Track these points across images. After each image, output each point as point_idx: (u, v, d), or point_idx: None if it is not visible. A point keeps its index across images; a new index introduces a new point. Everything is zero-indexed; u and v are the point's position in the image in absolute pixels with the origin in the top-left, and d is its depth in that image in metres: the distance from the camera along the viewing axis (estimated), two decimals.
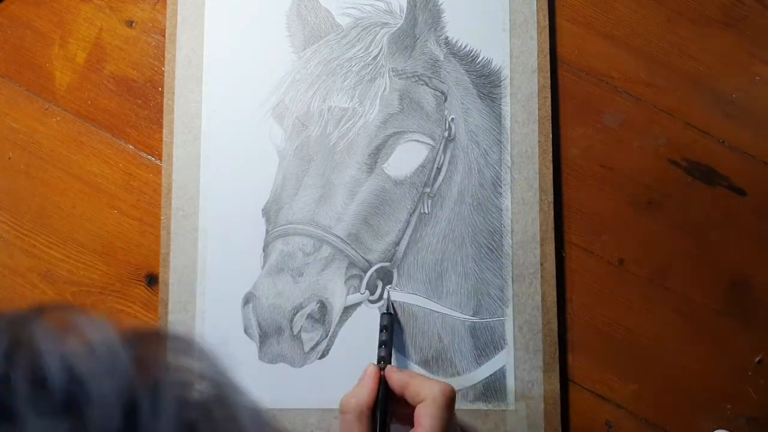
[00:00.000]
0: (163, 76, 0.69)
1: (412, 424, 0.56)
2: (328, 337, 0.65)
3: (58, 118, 0.70)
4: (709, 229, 0.68)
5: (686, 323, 0.68)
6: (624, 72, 0.70)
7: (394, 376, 0.58)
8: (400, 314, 0.66)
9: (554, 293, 0.66)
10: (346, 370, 0.65)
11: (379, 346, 0.62)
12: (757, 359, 0.67)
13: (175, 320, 0.66)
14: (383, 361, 0.61)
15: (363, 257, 0.66)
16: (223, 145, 0.68)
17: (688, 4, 0.71)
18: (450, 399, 0.55)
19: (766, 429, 0.66)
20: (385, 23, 0.69)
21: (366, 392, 0.57)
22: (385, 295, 0.66)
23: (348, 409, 0.56)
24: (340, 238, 0.65)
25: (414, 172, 0.67)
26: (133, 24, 0.71)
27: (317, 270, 0.65)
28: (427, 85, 0.68)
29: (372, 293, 0.66)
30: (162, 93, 0.69)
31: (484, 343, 0.66)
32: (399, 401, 0.58)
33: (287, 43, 0.69)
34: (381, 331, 0.63)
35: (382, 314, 0.65)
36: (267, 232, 0.66)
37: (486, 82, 0.69)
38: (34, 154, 0.69)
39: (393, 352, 0.66)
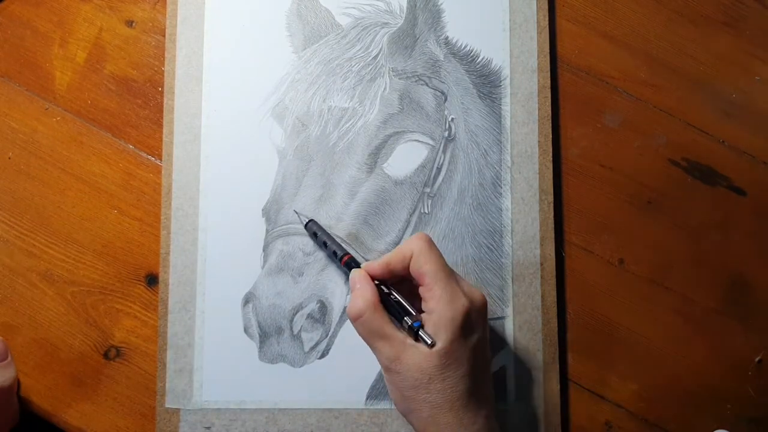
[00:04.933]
0: (163, 76, 0.69)
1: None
2: (328, 337, 0.65)
3: (58, 118, 0.70)
4: (709, 229, 0.69)
5: (686, 323, 0.68)
6: (624, 72, 0.70)
7: (374, 265, 0.57)
8: None
9: (554, 293, 0.66)
10: (346, 370, 0.65)
11: (334, 254, 0.62)
12: (757, 359, 0.67)
13: (175, 320, 0.66)
14: (354, 262, 0.61)
15: (363, 257, 0.66)
16: (223, 145, 0.68)
17: (688, 4, 0.71)
18: (428, 239, 0.56)
19: (766, 429, 0.66)
20: (385, 23, 0.69)
21: (367, 290, 0.56)
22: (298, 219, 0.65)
23: (359, 312, 0.55)
24: (340, 238, 0.65)
25: (414, 172, 0.67)
26: (133, 24, 0.71)
27: (317, 270, 0.65)
28: (427, 85, 0.68)
29: None
30: (162, 93, 0.69)
31: None
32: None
33: (287, 43, 0.69)
34: (321, 244, 0.63)
35: (306, 225, 0.64)
36: (267, 232, 0.66)
37: (486, 82, 0.69)
38: (34, 154, 0.69)
39: None
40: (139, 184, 0.69)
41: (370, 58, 0.68)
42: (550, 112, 0.68)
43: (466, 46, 0.69)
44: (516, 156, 0.68)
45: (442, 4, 0.69)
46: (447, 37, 0.69)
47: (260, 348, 0.65)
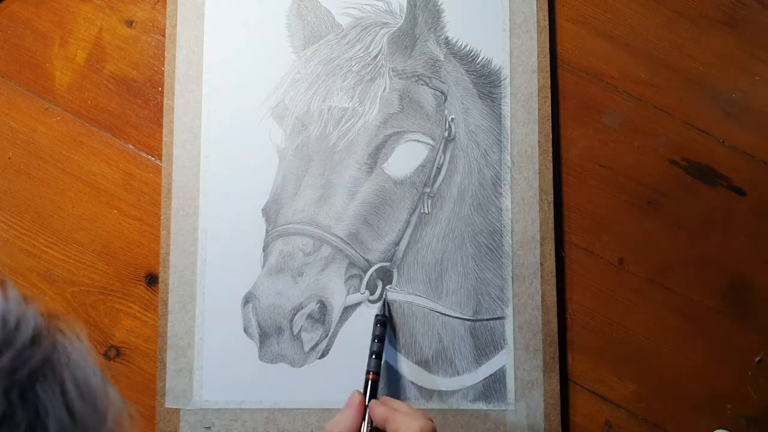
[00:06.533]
0: (163, 76, 0.69)
1: None
2: (328, 336, 0.65)
3: (58, 118, 0.70)
4: (709, 229, 0.69)
5: (686, 323, 0.68)
6: (624, 72, 0.70)
7: (378, 410, 0.57)
8: (397, 315, 0.66)
9: (554, 293, 0.66)
10: (346, 369, 0.65)
11: (370, 355, 0.62)
12: (757, 359, 0.67)
13: (175, 320, 0.66)
14: (371, 386, 0.60)
15: (363, 257, 0.66)
16: (223, 145, 0.68)
17: (688, 4, 0.71)
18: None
19: (766, 429, 0.66)
20: (385, 23, 0.69)
21: (350, 422, 0.57)
22: (384, 297, 0.66)
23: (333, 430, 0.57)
24: (340, 238, 0.65)
25: (414, 171, 0.67)
26: (133, 24, 0.71)
27: (317, 270, 0.65)
28: (427, 85, 0.68)
29: (372, 293, 0.66)
30: (162, 93, 0.69)
31: (484, 343, 0.66)
32: None
33: (287, 43, 0.69)
34: (374, 340, 0.63)
35: (377, 318, 0.64)
36: (267, 232, 0.66)
37: (486, 82, 0.69)
38: (34, 154, 0.69)
39: (394, 352, 0.66)
40: (139, 184, 0.69)
41: (370, 58, 0.68)
42: (550, 112, 0.68)
43: (466, 46, 0.69)
44: (516, 156, 0.68)
45: (442, 4, 0.69)
46: (447, 37, 0.69)
47: (260, 348, 0.65)
